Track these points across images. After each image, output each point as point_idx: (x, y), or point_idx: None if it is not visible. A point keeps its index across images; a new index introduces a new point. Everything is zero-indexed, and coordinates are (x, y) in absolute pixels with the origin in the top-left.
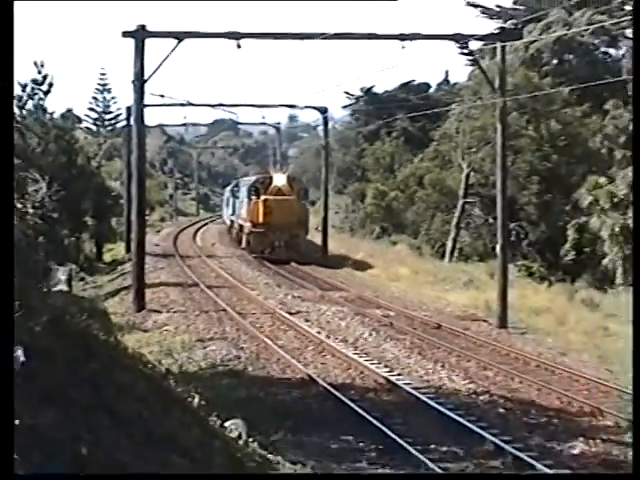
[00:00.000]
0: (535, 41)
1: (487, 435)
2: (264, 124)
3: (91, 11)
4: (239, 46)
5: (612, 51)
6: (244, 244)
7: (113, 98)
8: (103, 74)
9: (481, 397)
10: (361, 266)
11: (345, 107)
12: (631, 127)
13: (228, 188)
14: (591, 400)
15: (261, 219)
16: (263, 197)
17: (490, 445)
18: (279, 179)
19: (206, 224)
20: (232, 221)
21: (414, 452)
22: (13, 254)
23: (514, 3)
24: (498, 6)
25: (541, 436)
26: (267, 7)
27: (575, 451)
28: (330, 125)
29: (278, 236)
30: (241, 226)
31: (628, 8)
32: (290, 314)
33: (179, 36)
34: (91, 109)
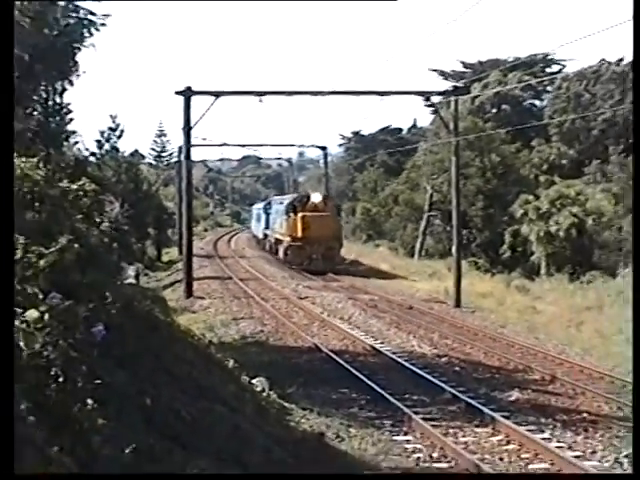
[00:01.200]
0: (479, 95)
1: (446, 387)
2: (280, 159)
3: (154, 73)
4: (261, 100)
5: (537, 102)
6: (281, 255)
7: (168, 140)
8: (161, 123)
9: (442, 359)
10: (353, 263)
11: (340, 145)
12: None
13: (257, 206)
14: (523, 360)
15: (300, 234)
16: (301, 214)
17: (449, 394)
18: (315, 197)
19: (237, 233)
20: (265, 234)
21: (393, 400)
22: (13, 257)
23: (464, 67)
24: (452, 70)
25: (486, 387)
26: (283, 69)
27: (512, 398)
28: (329, 159)
29: (315, 249)
30: (277, 239)
31: (548, 70)
32: (300, 299)
33: (216, 94)
34: (152, 149)
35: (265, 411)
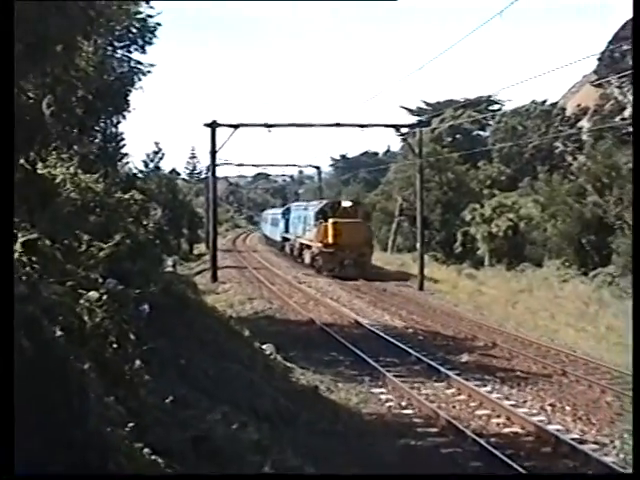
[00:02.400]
0: (437, 127)
1: (412, 352)
2: (284, 175)
3: (188, 109)
4: (269, 130)
5: (482, 133)
6: (307, 260)
7: (198, 161)
8: (193, 148)
9: (409, 330)
10: None
11: (330, 165)
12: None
13: (270, 211)
14: (471, 331)
15: (331, 240)
16: (332, 220)
17: (414, 357)
18: (346, 203)
19: (251, 233)
20: (285, 238)
21: (371, 362)
22: (13, 258)
23: (426, 105)
24: (417, 107)
25: (443, 352)
26: (287, 104)
27: (462, 360)
28: (322, 175)
29: (347, 255)
30: (304, 245)
31: (491, 108)
32: (299, 283)
33: (235, 126)
34: (186, 167)
35: (272, 369)
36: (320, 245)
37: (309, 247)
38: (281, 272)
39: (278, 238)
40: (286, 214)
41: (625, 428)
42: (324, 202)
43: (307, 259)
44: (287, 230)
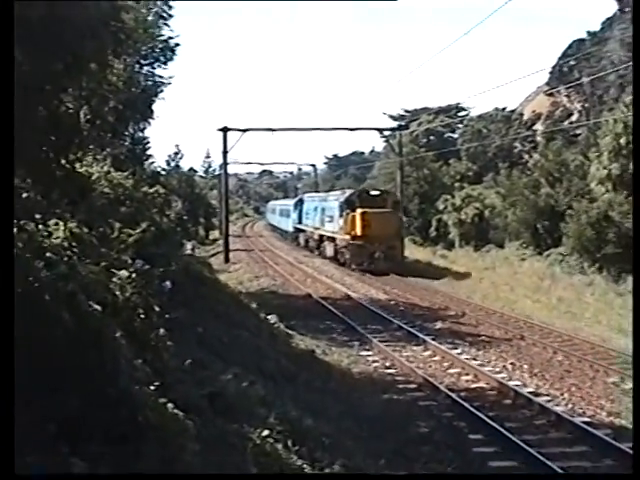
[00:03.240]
0: (415, 130)
1: (394, 320)
2: (285, 172)
3: (205, 114)
4: (273, 133)
5: (453, 135)
6: (329, 253)
7: (212, 160)
8: (208, 149)
9: (391, 302)
10: None
11: (325, 163)
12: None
13: (277, 202)
14: (444, 303)
15: (360, 232)
16: (361, 210)
17: (396, 325)
18: (375, 192)
19: (257, 221)
20: (298, 229)
21: (359, 329)
22: (13, 259)
23: (405, 112)
24: (398, 114)
25: (420, 320)
26: (289, 108)
27: (437, 327)
28: (318, 172)
29: (377, 247)
30: (326, 237)
31: (460, 114)
32: (299, 263)
33: (243, 130)
34: (202, 166)
35: (276, 336)
36: (347, 237)
37: (332, 239)
38: (283, 254)
39: (290, 229)
40: (299, 205)
41: (572, 382)
42: (350, 191)
43: (329, 252)
44: (300, 221)
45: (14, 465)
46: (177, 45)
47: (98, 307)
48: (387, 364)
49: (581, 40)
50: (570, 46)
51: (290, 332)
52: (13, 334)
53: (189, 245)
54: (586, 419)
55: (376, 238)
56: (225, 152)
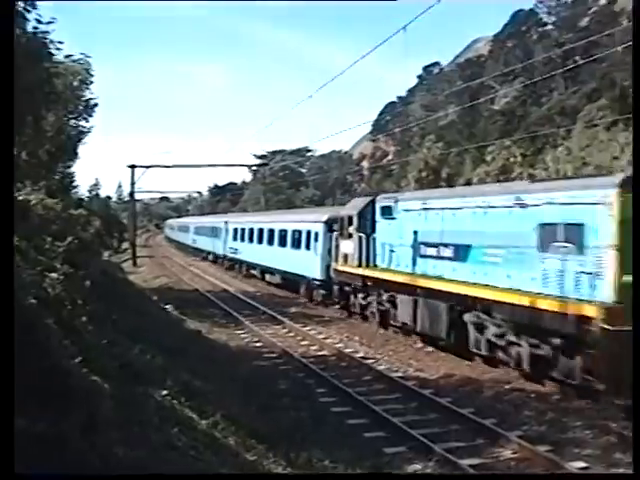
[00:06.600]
0: (273, 167)
1: (260, 307)
2: (178, 197)
3: (117, 154)
4: (169, 169)
5: (302, 170)
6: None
7: (123, 189)
8: (120, 181)
9: (258, 294)
10: None
11: (208, 190)
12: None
13: (188, 220)
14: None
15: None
16: None
17: (262, 310)
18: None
19: (158, 235)
20: (231, 255)
21: (235, 314)
22: (13, 266)
23: (267, 152)
24: (261, 154)
25: (280, 306)
26: (184, 148)
27: (292, 311)
28: (203, 197)
29: None
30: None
31: (307, 154)
32: (189, 266)
33: (147, 167)
34: (115, 193)
35: (172, 320)
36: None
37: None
38: (177, 259)
39: (219, 252)
40: (236, 224)
41: (391, 348)
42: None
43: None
44: (228, 247)
45: (14, 465)
46: (96, 105)
47: (34, 301)
48: (255, 339)
49: (393, 102)
50: (386, 106)
51: (183, 317)
52: (13, 335)
53: (106, 253)
54: (400, 374)
55: None
56: (133, 183)
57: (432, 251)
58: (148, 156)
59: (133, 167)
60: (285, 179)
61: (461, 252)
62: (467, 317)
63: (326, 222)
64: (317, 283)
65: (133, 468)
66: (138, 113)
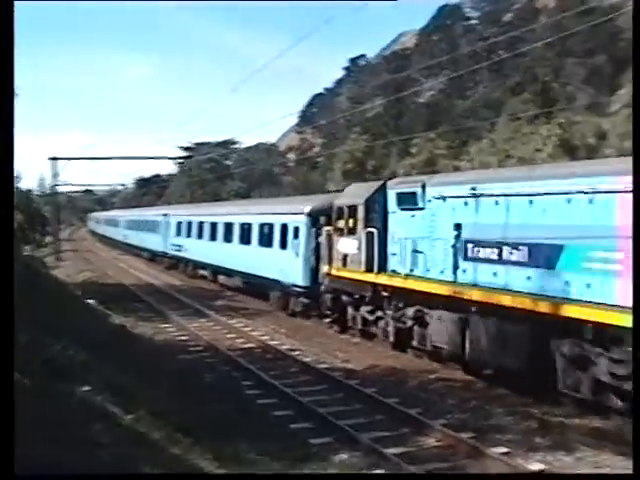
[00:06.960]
0: (199, 159)
1: (188, 301)
2: (103, 190)
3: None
4: (93, 161)
5: (228, 162)
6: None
7: (45, 182)
8: (42, 174)
9: (184, 287)
10: None
11: (133, 183)
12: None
13: (119, 213)
14: (223, 286)
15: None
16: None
17: (187, 303)
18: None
19: (81, 228)
20: (174, 253)
21: (161, 308)
22: (12, 269)
23: (193, 145)
24: (188, 146)
25: (207, 300)
26: (110, 139)
27: (218, 304)
28: (127, 190)
29: None
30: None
31: (232, 146)
32: (115, 259)
33: (69, 158)
34: (38, 188)
35: (96, 315)
36: None
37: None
38: (102, 253)
39: (158, 249)
40: (180, 217)
41: (318, 340)
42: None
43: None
44: (169, 243)
45: (14, 465)
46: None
47: None
48: (182, 332)
49: (320, 94)
50: (313, 98)
51: (107, 312)
52: (13, 335)
53: (29, 248)
54: (326, 365)
55: None
56: (54, 175)
57: (489, 252)
58: (72, 149)
59: (55, 159)
60: (211, 171)
61: (543, 254)
62: (562, 347)
63: (309, 214)
64: (298, 290)
65: (55, 467)
66: (56, 105)
